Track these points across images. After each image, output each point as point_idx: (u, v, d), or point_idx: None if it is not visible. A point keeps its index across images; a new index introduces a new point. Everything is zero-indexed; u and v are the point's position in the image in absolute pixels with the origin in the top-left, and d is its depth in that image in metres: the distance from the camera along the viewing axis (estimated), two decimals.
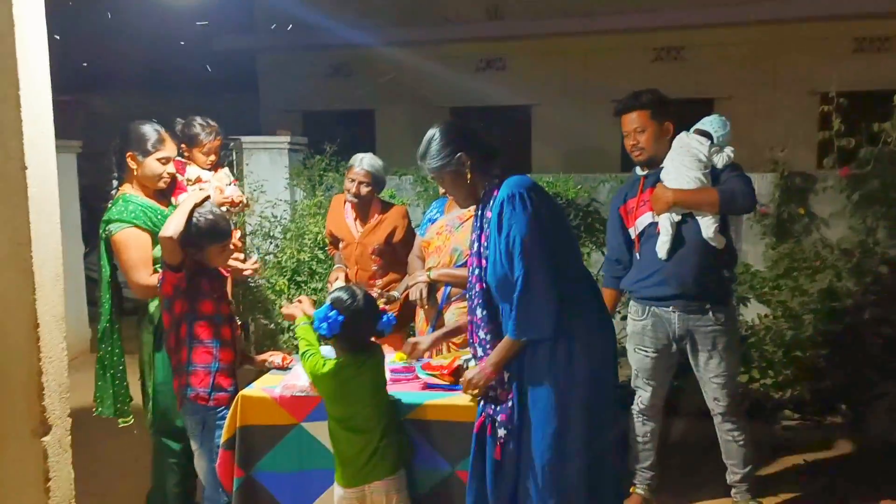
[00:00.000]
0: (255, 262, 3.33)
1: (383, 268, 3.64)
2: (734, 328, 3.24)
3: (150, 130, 2.92)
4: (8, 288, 1.95)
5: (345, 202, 3.69)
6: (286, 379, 2.63)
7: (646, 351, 3.24)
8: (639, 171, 3.32)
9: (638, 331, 3.26)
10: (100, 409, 3.11)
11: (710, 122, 3.19)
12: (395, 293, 3.55)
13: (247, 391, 2.58)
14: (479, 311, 2.48)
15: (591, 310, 2.44)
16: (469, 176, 2.44)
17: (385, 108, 11.26)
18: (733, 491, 3.32)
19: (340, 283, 3.61)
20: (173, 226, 2.55)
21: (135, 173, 2.93)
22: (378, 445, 2.39)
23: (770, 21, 9.65)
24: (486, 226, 2.42)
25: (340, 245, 3.73)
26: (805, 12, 9.36)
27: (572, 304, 2.35)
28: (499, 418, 2.38)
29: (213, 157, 3.45)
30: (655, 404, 3.32)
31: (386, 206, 3.70)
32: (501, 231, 2.33)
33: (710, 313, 3.09)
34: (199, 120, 3.43)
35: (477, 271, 2.48)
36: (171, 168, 2.98)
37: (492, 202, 2.40)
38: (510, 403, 2.36)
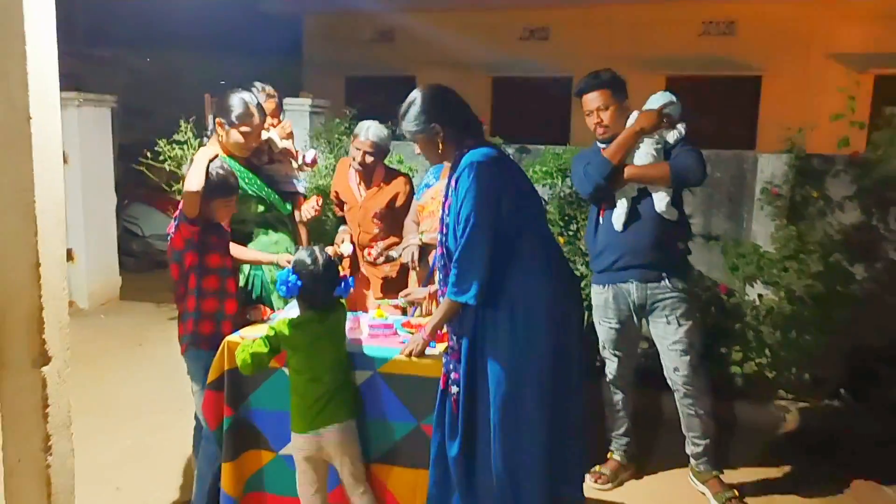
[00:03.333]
0: (318, 200, 3.50)
1: (384, 230, 3.76)
2: (691, 298, 3.30)
3: (237, 102, 3.07)
4: (11, 230, 2.12)
5: (350, 165, 3.82)
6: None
7: (609, 322, 3.36)
8: (600, 144, 3.36)
9: (601, 303, 3.38)
10: None
11: (656, 99, 3.26)
12: (393, 253, 3.67)
13: (232, 337, 2.75)
14: (439, 275, 2.62)
15: (552, 280, 2.52)
16: (441, 146, 2.56)
17: (426, 75, 11.28)
18: (694, 461, 3.40)
19: (346, 244, 3.76)
20: (196, 180, 2.68)
21: (220, 138, 3.12)
22: (333, 393, 2.55)
23: None
24: (449, 194, 2.54)
25: (345, 207, 3.86)
26: None
27: (528, 273, 2.46)
28: (452, 376, 2.51)
29: (270, 119, 3.59)
30: (624, 374, 3.45)
31: (390, 173, 3.82)
32: (458, 195, 2.44)
33: (667, 280, 3.20)
34: (256, 85, 3.59)
35: (440, 236, 2.60)
36: (253, 142, 3.13)
37: (456, 173, 2.51)
38: (461, 364, 2.48)
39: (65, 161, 6.00)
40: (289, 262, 3.04)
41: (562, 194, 4.67)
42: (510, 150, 5.10)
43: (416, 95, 2.58)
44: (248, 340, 2.59)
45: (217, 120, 3.11)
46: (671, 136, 3.22)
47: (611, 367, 3.45)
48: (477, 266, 2.42)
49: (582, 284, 4.30)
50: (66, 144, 6.00)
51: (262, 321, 3.02)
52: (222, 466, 2.76)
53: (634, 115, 3.26)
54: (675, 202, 3.23)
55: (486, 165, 2.44)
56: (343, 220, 3.95)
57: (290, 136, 3.58)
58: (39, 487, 2.25)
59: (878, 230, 4.48)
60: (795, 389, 4.35)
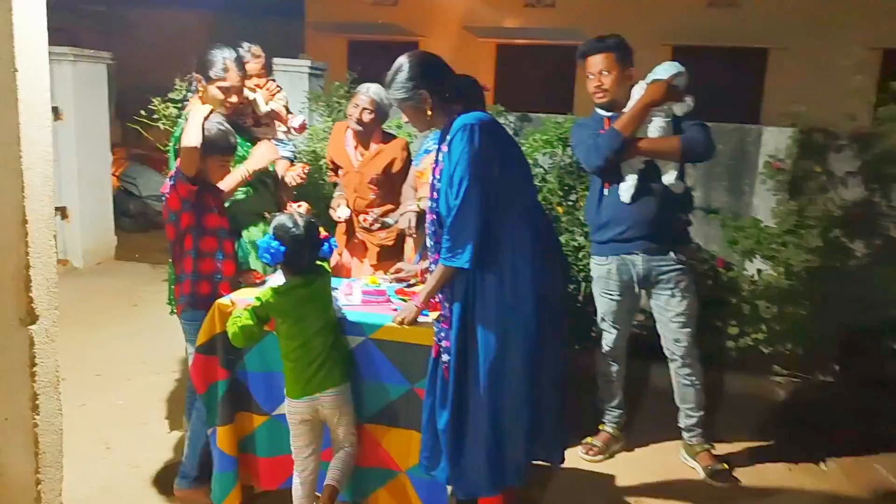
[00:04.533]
0: (304, 168, 3.48)
1: (381, 197, 3.71)
2: (691, 273, 3.32)
3: (217, 57, 3.01)
4: None
5: (346, 129, 3.75)
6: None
7: (611, 294, 3.35)
8: (601, 112, 3.32)
9: (603, 275, 3.36)
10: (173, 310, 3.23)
11: (664, 70, 3.19)
12: (389, 220, 3.63)
13: (222, 301, 2.72)
14: (430, 241, 2.59)
15: (538, 244, 2.49)
16: (429, 113, 2.51)
17: (430, 39, 11.17)
18: (686, 434, 3.43)
19: (342, 208, 3.72)
20: (193, 136, 2.63)
21: (200, 95, 3.07)
22: (327, 357, 2.54)
23: None
24: (441, 159, 2.50)
25: (340, 172, 3.81)
26: None
27: (516, 238, 2.44)
28: (443, 344, 2.49)
29: (257, 80, 3.53)
30: (620, 345, 3.45)
31: (387, 137, 3.75)
32: (451, 160, 2.41)
33: (672, 253, 3.21)
34: (244, 45, 3.54)
35: (430, 202, 2.56)
36: (233, 98, 3.06)
37: (448, 136, 2.47)
38: (452, 331, 2.47)
39: (59, 118, 5.95)
40: (249, 173, 3.00)
41: (562, 163, 4.62)
42: (511, 119, 5.03)
43: (401, 62, 2.52)
44: (236, 311, 2.55)
45: (196, 76, 3.07)
46: (679, 109, 3.17)
47: (608, 339, 3.44)
48: (470, 230, 2.39)
49: (580, 255, 4.31)
50: (61, 101, 5.95)
51: (255, 285, 2.99)
52: (218, 429, 2.75)
53: (641, 85, 3.20)
54: (681, 175, 3.22)
55: (479, 128, 2.41)
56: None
57: (274, 97, 3.53)
58: (27, 446, 2.24)
59: (880, 206, 4.43)
60: (789, 365, 4.35)
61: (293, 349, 2.53)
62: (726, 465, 3.34)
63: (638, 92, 3.19)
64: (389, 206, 3.73)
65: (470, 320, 2.47)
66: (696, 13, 10.16)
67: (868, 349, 4.16)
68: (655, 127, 3.16)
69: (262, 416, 2.81)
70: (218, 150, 2.74)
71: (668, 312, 3.28)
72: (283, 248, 2.45)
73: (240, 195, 3.17)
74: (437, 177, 2.52)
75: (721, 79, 9.36)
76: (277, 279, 2.68)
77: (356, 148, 3.74)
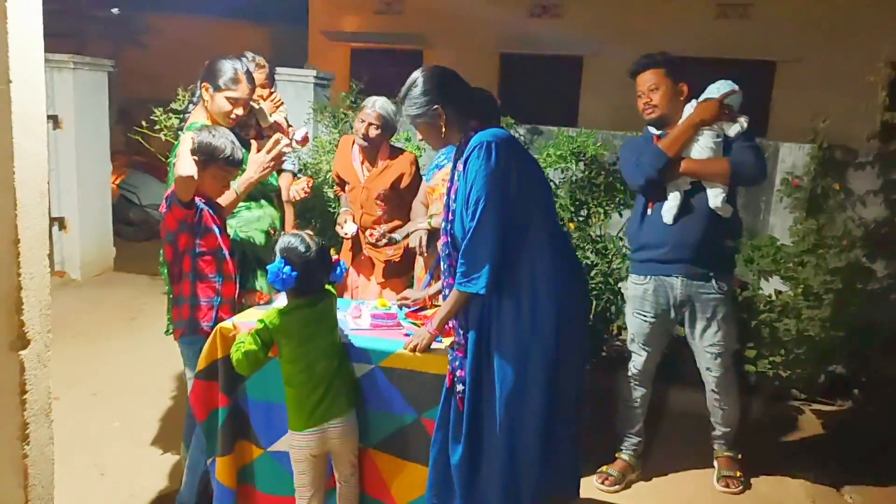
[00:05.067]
0: (308, 182, 3.36)
1: (388, 212, 3.59)
2: (732, 301, 3.26)
3: (227, 67, 2.89)
4: None
5: (353, 144, 3.63)
6: None
7: (644, 316, 3.24)
8: (652, 129, 3.23)
9: (639, 295, 3.25)
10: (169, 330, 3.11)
11: (717, 88, 3.11)
12: (396, 236, 3.51)
13: (225, 324, 2.59)
14: (444, 264, 2.46)
15: (559, 269, 2.37)
16: (443, 129, 2.40)
17: (433, 49, 11.07)
18: (715, 444, 3.44)
19: (349, 224, 3.59)
20: (187, 165, 2.50)
21: (205, 105, 2.94)
22: (332, 382, 2.41)
23: None
24: (456, 178, 2.37)
25: (347, 187, 3.68)
26: None
27: (537, 263, 2.32)
28: (458, 374, 2.36)
29: (260, 91, 3.42)
30: (648, 369, 3.33)
31: (395, 152, 3.62)
32: (468, 179, 2.29)
33: (714, 281, 3.11)
34: (247, 55, 3.43)
35: (444, 224, 2.44)
36: (239, 111, 2.94)
37: (464, 154, 2.34)
38: (468, 360, 2.34)
39: (59, 126, 5.83)
40: (252, 180, 2.82)
41: (573, 178, 4.49)
42: (521, 131, 4.92)
43: (416, 77, 2.41)
44: (240, 336, 2.42)
45: (203, 84, 2.93)
46: (732, 130, 3.06)
47: (637, 362, 3.32)
48: (487, 254, 2.26)
49: (592, 273, 4.18)
50: (61, 109, 5.83)
51: (258, 305, 2.86)
52: (218, 460, 2.61)
53: (693, 104, 3.10)
54: (730, 198, 3.10)
55: (496, 146, 2.28)
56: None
57: (278, 109, 3.42)
58: (16, 478, 2.11)
59: None
60: (808, 389, 4.21)
61: (297, 373, 2.40)
62: (739, 474, 3.32)
63: (689, 110, 3.10)
64: (397, 222, 3.61)
65: (486, 348, 2.35)
66: (704, 25, 10.06)
67: (891, 374, 4.02)
68: (703, 147, 3.05)
69: (259, 448, 2.68)
70: (222, 160, 2.60)
71: (703, 342, 3.19)
72: (294, 273, 2.31)
73: (243, 210, 3.04)
74: (453, 197, 2.39)
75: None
76: (283, 300, 2.54)
77: (363, 163, 3.61)
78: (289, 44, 11.15)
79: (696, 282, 3.10)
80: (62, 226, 6.02)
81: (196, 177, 2.50)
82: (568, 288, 2.39)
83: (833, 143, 4.49)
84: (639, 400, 3.35)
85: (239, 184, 2.82)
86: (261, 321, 2.39)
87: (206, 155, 2.57)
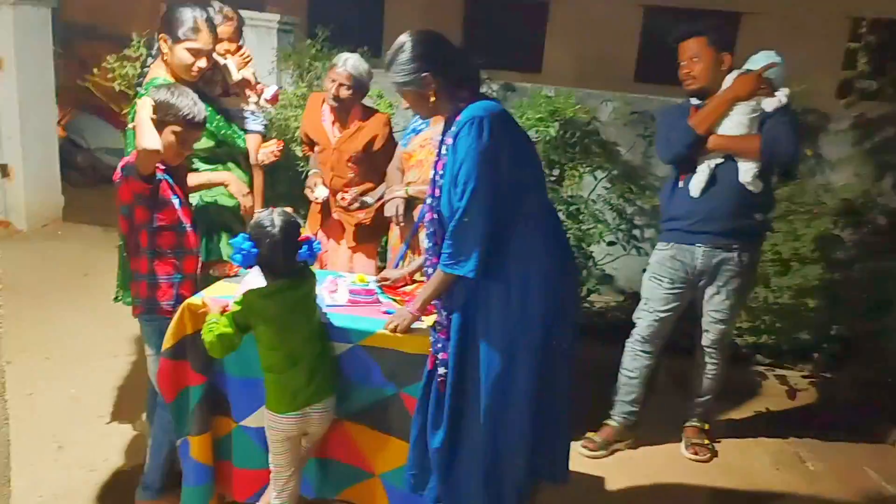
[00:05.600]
0: (279, 145, 3.21)
1: (360, 175, 3.42)
2: (752, 273, 3.27)
3: (186, 15, 2.65)
4: None
5: (322, 102, 3.43)
6: (238, 292, 2.51)
7: (660, 280, 3.25)
8: (693, 100, 3.13)
9: (658, 260, 3.27)
10: (120, 298, 2.93)
11: (758, 60, 3.02)
12: (368, 199, 3.37)
13: (193, 300, 2.44)
14: (428, 242, 2.34)
15: (550, 252, 2.28)
16: (432, 98, 2.24)
17: None
18: (688, 411, 3.48)
19: (320, 188, 3.43)
20: (151, 137, 2.27)
21: (164, 59, 2.72)
22: (315, 367, 2.31)
23: None
24: (444, 152, 2.24)
25: (316, 149, 3.50)
26: None
27: (527, 244, 2.22)
28: (440, 356, 2.29)
29: (228, 45, 3.18)
30: (654, 336, 3.31)
31: (367, 112, 3.44)
32: (457, 155, 2.16)
33: (736, 254, 3.10)
34: (214, 5, 3.19)
35: (430, 200, 2.31)
36: (202, 62, 2.72)
37: (453, 127, 2.20)
38: (451, 343, 2.25)
39: None
40: (225, 183, 2.75)
41: (547, 137, 4.37)
42: (494, 87, 4.76)
43: (404, 41, 2.23)
44: (211, 316, 2.27)
45: (160, 36, 2.70)
46: (769, 105, 2.98)
47: (641, 327, 3.32)
48: (476, 236, 2.15)
49: None
50: (0, 49, 5.42)
51: (228, 276, 2.71)
52: (192, 439, 2.49)
53: (733, 75, 3.00)
54: (763, 173, 3.03)
55: (489, 122, 2.14)
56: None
57: (247, 65, 3.21)
58: None
59: (872, 195, 4.32)
60: (774, 355, 4.28)
61: (278, 360, 2.28)
62: (707, 442, 3.38)
63: (729, 81, 3.00)
64: (369, 185, 3.46)
65: (471, 332, 2.25)
66: None
67: (864, 347, 4.09)
68: (737, 122, 2.98)
69: (233, 422, 2.57)
70: (180, 119, 2.37)
71: (709, 305, 3.23)
72: (255, 250, 2.18)
73: (208, 174, 2.86)
74: (440, 172, 2.26)
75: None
76: (256, 278, 2.39)
77: (333, 123, 3.42)
78: None
79: (718, 252, 3.10)
80: (5, 173, 5.66)
81: (161, 150, 2.30)
82: (558, 270, 2.30)
83: (808, 108, 4.45)
84: (636, 371, 3.33)
85: (213, 176, 2.70)
86: (238, 303, 2.25)
87: (164, 114, 2.36)
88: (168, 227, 2.43)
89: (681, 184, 3.14)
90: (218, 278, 2.73)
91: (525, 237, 2.23)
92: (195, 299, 2.45)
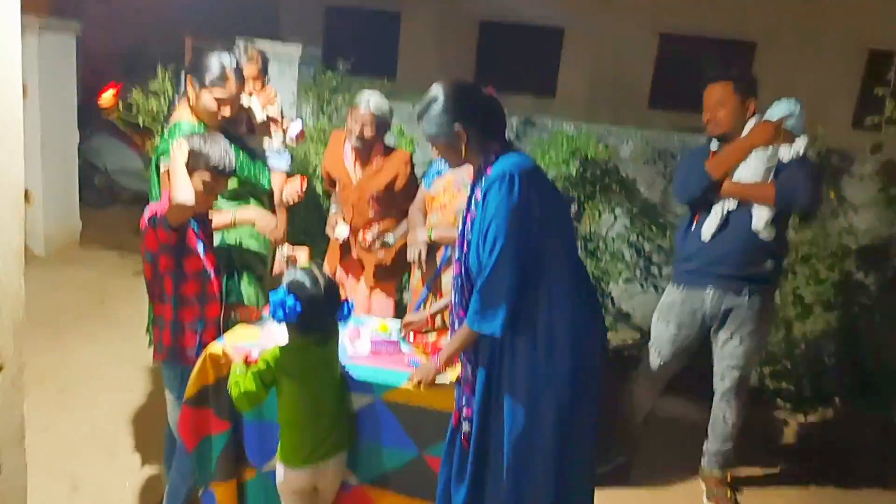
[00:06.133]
0: (303, 182, 3.20)
1: (381, 213, 3.42)
2: (765, 318, 3.20)
3: (214, 63, 2.66)
4: None
5: (345, 140, 3.43)
6: (262, 340, 2.49)
7: (667, 323, 3.24)
8: (713, 145, 3.13)
9: (668, 302, 3.26)
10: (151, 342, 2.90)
11: (779, 109, 3.02)
12: (389, 239, 3.35)
13: (214, 348, 2.42)
14: (455, 296, 2.32)
15: (578, 304, 2.26)
16: (464, 150, 2.23)
17: (412, 11, 10.73)
18: (704, 459, 3.39)
19: (341, 227, 3.42)
20: (186, 191, 2.25)
21: (189, 101, 2.73)
22: (334, 422, 2.30)
23: None
24: (473, 207, 2.22)
25: (337, 186, 3.49)
26: None
27: (555, 301, 2.20)
28: (464, 412, 2.26)
29: (252, 84, 3.18)
30: (659, 375, 3.32)
31: (388, 151, 3.43)
32: (486, 212, 2.14)
33: (746, 297, 3.06)
34: (238, 45, 3.21)
35: (458, 254, 2.29)
36: (226, 111, 2.72)
37: (483, 181, 2.19)
38: (475, 398, 2.23)
39: (24, 94, 5.45)
40: (252, 221, 2.70)
41: (565, 174, 4.35)
42: (514, 122, 4.74)
43: (436, 92, 2.22)
44: (237, 368, 2.25)
45: (188, 76, 2.71)
46: (785, 154, 2.96)
47: (645, 364, 3.33)
48: (504, 293, 2.13)
49: None
50: (25, 76, 5.44)
51: (251, 322, 2.69)
52: (217, 488, 2.47)
53: (752, 122, 2.99)
54: (777, 220, 3.01)
55: (519, 179, 2.13)
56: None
57: (273, 102, 3.21)
58: None
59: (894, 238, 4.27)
60: (795, 399, 4.21)
61: (298, 415, 2.25)
62: (728, 494, 3.29)
63: (748, 129, 2.99)
64: (390, 222, 3.44)
65: (496, 388, 2.23)
66: (685, 2, 9.92)
67: (876, 385, 4.03)
68: (752, 168, 2.96)
69: (254, 469, 2.55)
70: (210, 168, 2.36)
71: (723, 351, 3.18)
72: (298, 309, 2.15)
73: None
74: (469, 226, 2.24)
75: (707, 69, 9.16)
76: (279, 326, 2.36)
77: (355, 162, 3.42)
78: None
79: (729, 295, 3.07)
80: (26, 198, 5.66)
81: (195, 204, 2.29)
82: (586, 325, 2.27)
83: (830, 148, 4.41)
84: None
85: (239, 214, 2.68)
86: (264, 360, 2.22)
87: (195, 162, 2.35)
88: (192, 275, 2.42)
89: (694, 226, 3.14)
90: (236, 321, 2.71)
91: (553, 293, 2.20)
92: (216, 348, 2.43)
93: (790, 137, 2.97)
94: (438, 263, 3.08)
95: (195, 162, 2.35)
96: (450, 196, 3.08)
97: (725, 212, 3.01)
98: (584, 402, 2.28)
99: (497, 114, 2.29)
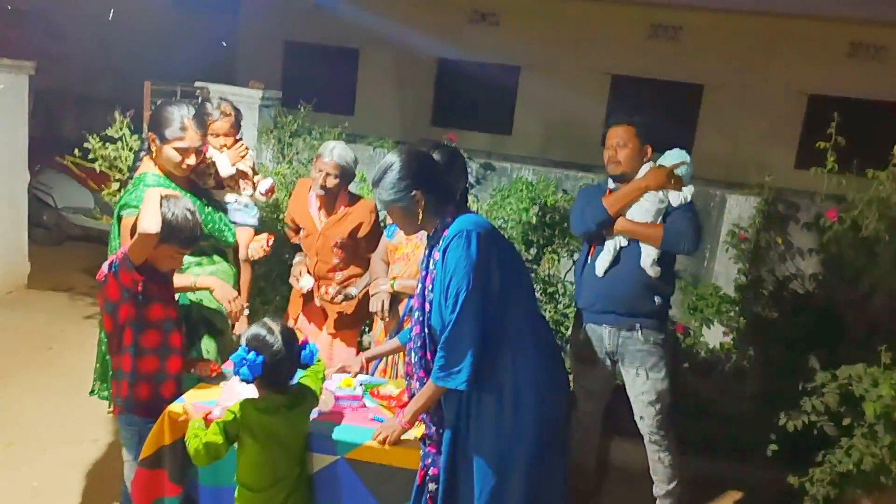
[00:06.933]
0: (269, 239, 3.20)
1: (345, 261, 3.42)
2: (664, 351, 3.26)
3: (173, 115, 2.68)
4: None
5: (310, 188, 3.43)
6: (222, 399, 2.45)
7: (582, 361, 3.33)
8: (610, 183, 3.29)
9: (577, 341, 3.35)
10: (96, 391, 2.91)
11: (671, 157, 3.22)
12: (352, 291, 3.36)
13: (174, 407, 2.38)
14: (413, 356, 2.33)
15: (541, 358, 2.30)
16: (420, 216, 2.27)
17: (370, 49, 10.81)
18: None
19: (306, 278, 3.40)
20: (153, 221, 2.24)
21: (153, 157, 2.74)
22: (295, 487, 2.27)
23: (767, 13, 9.47)
24: (433, 267, 2.26)
25: (301, 233, 3.48)
26: (801, 9, 9.18)
27: (518, 355, 2.24)
28: (430, 472, 2.26)
29: (224, 140, 3.17)
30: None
31: (353, 199, 3.45)
32: (447, 268, 2.18)
33: (640, 332, 3.15)
34: (213, 101, 3.22)
35: (418, 314, 2.32)
36: (191, 160, 2.73)
37: (440, 243, 2.24)
38: (442, 457, 2.24)
39: None
40: (210, 289, 2.67)
41: (523, 219, 4.41)
42: (473, 166, 4.80)
43: (392, 160, 2.27)
44: (196, 422, 2.21)
45: (150, 134, 2.72)
46: (675, 199, 3.15)
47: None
48: (468, 346, 2.15)
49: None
50: None
51: (210, 377, 2.65)
52: None
53: (646, 168, 3.17)
54: (664, 260, 3.16)
55: (477, 235, 2.19)
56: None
57: (243, 158, 3.20)
58: None
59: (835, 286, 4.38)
60: (736, 443, 4.21)
61: (258, 478, 2.21)
62: None
63: (644, 170, 3.16)
64: (354, 269, 3.45)
65: (462, 447, 2.24)
66: (636, 45, 10.22)
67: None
68: (644, 209, 3.13)
69: None
70: (179, 240, 2.36)
71: (634, 390, 3.25)
72: (260, 360, 2.13)
73: (192, 267, 2.82)
74: (429, 287, 2.26)
75: (658, 110, 9.44)
76: (241, 383, 2.32)
77: (320, 209, 3.42)
78: (216, 37, 10.60)
79: (623, 332, 3.16)
80: None
81: (157, 233, 2.27)
82: (549, 377, 2.31)
83: (778, 197, 4.57)
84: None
85: (200, 281, 2.68)
86: (231, 412, 2.19)
87: (163, 233, 2.32)
88: (154, 325, 2.39)
89: (589, 259, 3.26)
90: (199, 378, 2.66)
91: (515, 348, 2.24)
92: (176, 406, 2.38)
93: (680, 184, 3.15)
94: (401, 314, 3.08)
95: (164, 233, 2.31)
96: (412, 246, 3.11)
97: (618, 247, 3.15)
98: (553, 454, 2.30)
99: (457, 171, 2.33)
